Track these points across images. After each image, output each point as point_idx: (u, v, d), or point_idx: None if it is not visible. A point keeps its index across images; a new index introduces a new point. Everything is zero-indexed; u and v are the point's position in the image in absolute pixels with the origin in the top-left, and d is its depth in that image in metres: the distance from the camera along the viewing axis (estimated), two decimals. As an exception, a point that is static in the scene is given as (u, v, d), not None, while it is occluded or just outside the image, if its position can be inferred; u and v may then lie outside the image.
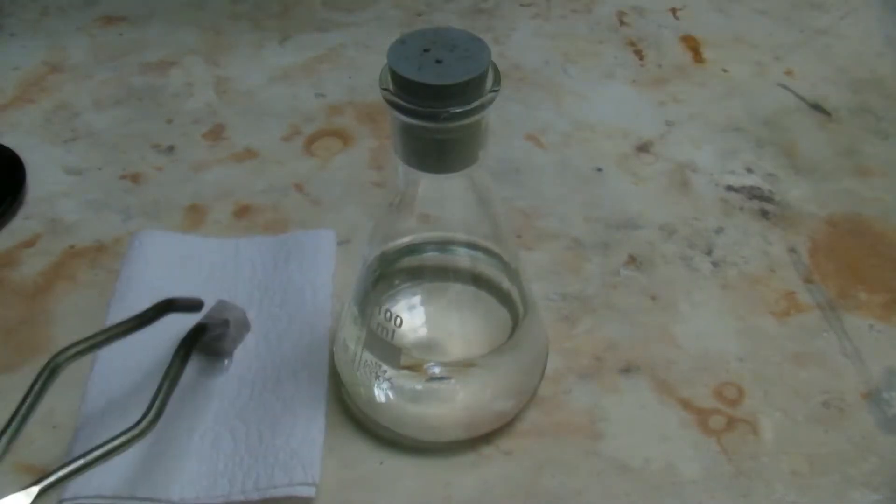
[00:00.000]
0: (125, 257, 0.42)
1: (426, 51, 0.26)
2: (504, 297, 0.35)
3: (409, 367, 0.33)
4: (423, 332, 0.35)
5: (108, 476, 0.33)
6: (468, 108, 0.26)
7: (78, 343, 0.34)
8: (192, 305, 0.38)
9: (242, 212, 0.46)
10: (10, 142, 0.50)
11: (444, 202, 0.31)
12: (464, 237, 0.33)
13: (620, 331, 0.40)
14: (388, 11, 0.62)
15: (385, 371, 0.33)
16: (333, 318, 0.40)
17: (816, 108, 0.54)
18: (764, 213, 0.46)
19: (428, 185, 0.30)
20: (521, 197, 0.47)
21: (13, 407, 0.37)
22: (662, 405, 0.37)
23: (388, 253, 0.34)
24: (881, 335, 0.40)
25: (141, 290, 0.40)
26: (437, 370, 0.34)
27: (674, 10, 0.63)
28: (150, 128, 0.52)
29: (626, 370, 0.38)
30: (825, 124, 0.53)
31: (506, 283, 0.35)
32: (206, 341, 0.37)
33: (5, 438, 0.31)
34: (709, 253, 0.44)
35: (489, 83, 0.27)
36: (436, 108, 0.26)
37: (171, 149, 0.50)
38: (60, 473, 0.30)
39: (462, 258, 0.34)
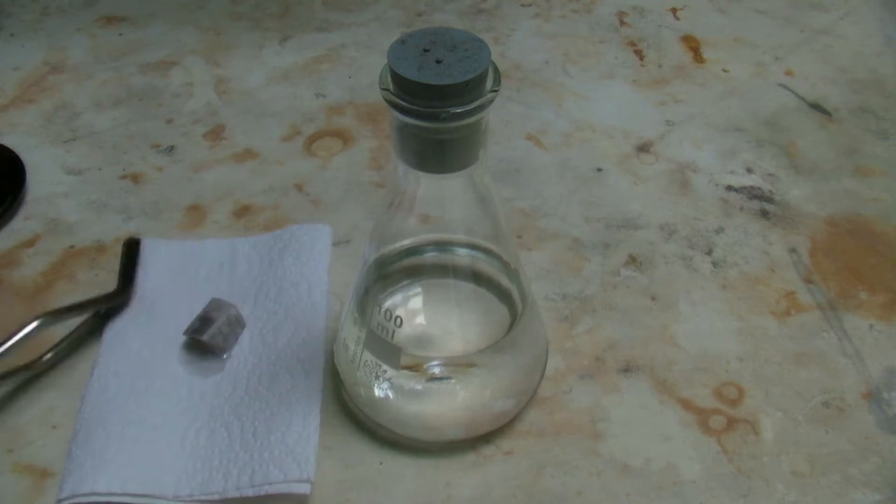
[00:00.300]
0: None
1: (426, 51, 0.26)
2: (504, 297, 0.35)
3: (409, 367, 0.33)
4: (423, 331, 0.35)
5: (104, 474, 0.33)
6: (468, 108, 0.26)
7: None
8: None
9: (242, 212, 0.46)
10: (10, 142, 0.50)
11: (445, 202, 0.31)
12: (464, 237, 0.33)
13: (620, 331, 0.40)
14: (388, 11, 0.62)
15: (385, 371, 0.33)
16: (330, 314, 0.40)
17: (816, 108, 0.54)
18: (764, 213, 0.46)
19: (428, 185, 0.30)
20: (522, 197, 0.47)
21: (14, 407, 0.37)
22: (663, 405, 0.37)
23: (388, 253, 0.34)
24: (881, 335, 0.40)
25: (140, 293, 0.40)
26: (437, 370, 0.34)
27: (674, 10, 0.63)
28: (150, 128, 0.52)
29: (627, 370, 0.38)
30: (825, 124, 0.53)
31: (506, 283, 0.35)
32: (201, 339, 0.37)
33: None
34: (709, 253, 0.44)
35: (489, 83, 0.27)
36: (436, 108, 0.26)
37: (171, 149, 0.50)
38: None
39: (462, 258, 0.34)
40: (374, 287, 0.34)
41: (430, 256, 0.34)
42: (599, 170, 0.49)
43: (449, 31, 0.27)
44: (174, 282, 0.41)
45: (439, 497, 0.34)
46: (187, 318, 0.39)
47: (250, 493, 0.33)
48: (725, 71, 0.57)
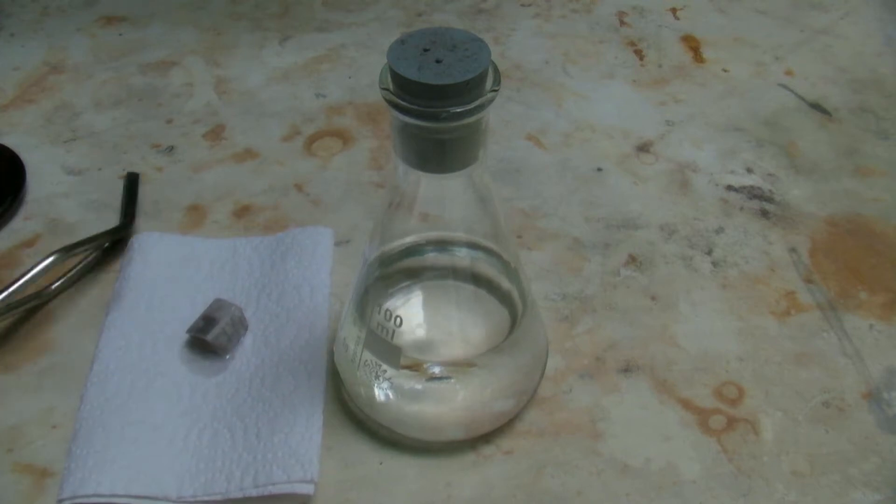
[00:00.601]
0: (125, 258, 0.42)
1: (426, 51, 0.26)
2: (504, 297, 0.35)
3: (409, 367, 0.33)
4: (422, 331, 0.35)
5: (106, 474, 0.33)
6: (468, 107, 0.26)
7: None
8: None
9: (242, 212, 0.46)
10: (10, 142, 0.50)
11: (445, 202, 0.31)
12: (464, 237, 0.33)
13: (620, 331, 0.40)
14: (388, 11, 0.62)
15: (385, 371, 0.33)
16: (331, 314, 0.40)
17: (816, 108, 0.54)
18: (764, 213, 0.46)
19: (428, 185, 0.30)
20: (522, 197, 0.47)
21: (13, 407, 0.37)
22: (663, 405, 0.37)
23: (388, 253, 0.34)
24: (881, 335, 0.40)
25: (140, 291, 0.40)
26: (437, 370, 0.34)
27: (674, 10, 0.63)
28: (150, 128, 0.52)
29: (627, 370, 0.38)
30: (825, 124, 0.53)
31: (505, 283, 0.35)
32: (205, 339, 0.37)
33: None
34: (709, 253, 0.44)
35: (489, 83, 0.27)
36: (436, 107, 0.26)
37: (171, 149, 0.50)
38: None
39: (462, 258, 0.34)
40: (373, 287, 0.34)
41: (430, 256, 0.34)
42: (599, 170, 0.49)
43: (449, 31, 0.27)
44: (174, 278, 0.41)
45: (439, 497, 0.34)
46: (187, 316, 0.39)
47: (254, 493, 0.33)
48: (725, 71, 0.57)
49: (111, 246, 0.44)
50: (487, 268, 0.34)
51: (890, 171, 0.49)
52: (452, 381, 0.34)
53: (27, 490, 0.34)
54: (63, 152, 0.50)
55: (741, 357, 0.39)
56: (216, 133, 0.51)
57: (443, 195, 0.31)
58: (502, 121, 0.52)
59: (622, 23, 0.62)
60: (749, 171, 0.49)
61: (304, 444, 0.34)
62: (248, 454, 0.34)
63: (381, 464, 0.35)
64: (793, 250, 0.44)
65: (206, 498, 0.33)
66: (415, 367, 0.34)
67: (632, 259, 0.44)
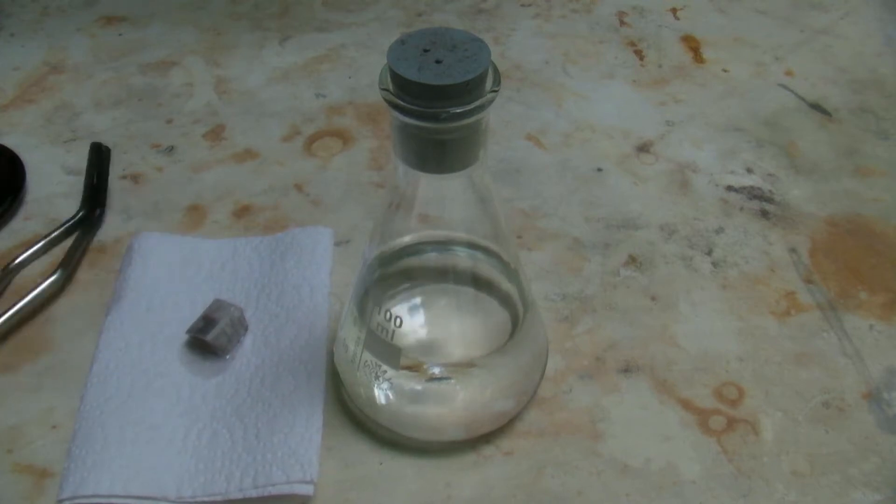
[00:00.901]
0: (124, 259, 0.42)
1: (426, 51, 0.26)
2: (504, 298, 0.35)
3: (408, 368, 0.33)
4: (422, 332, 0.35)
5: (105, 475, 0.33)
6: (468, 108, 0.26)
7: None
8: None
9: (242, 212, 0.46)
10: (10, 142, 0.50)
11: (444, 202, 0.31)
12: (464, 237, 0.33)
13: (620, 331, 0.40)
14: (388, 11, 0.62)
15: (385, 371, 0.33)
16: (331, 314, 0.40)
17: (816, 108, 0.54)
18: (764, 213, 0.46)
19: (428, 185, 0.30)
20: (522, 197, 0.47)
21: (13, 407, 0.37)
22: (663, 405, 0.37)
23: (387, 253, 0.34)
24: (881, 335, 0.40)
25: (140, 291, 0.40)
26: (437, 370, 0.34)
27: (674, 10, 0.63)
28: (150, 128, 0.52)
29: (627, 370, 0.38)
30: (825, 124, 0.53)
31: (505, 284, 0.35)
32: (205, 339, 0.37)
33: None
34: (709, 253, 0.44)
35: (489, 83, 0.27)
36: (436, 108, 0.26)
37: (171, 149, 0.50)
38: None
39: (462, 258, 0.34)
40: (373, 287, 0.34)
41: (430, 257, 0.34)
42: (599, 170, 0.49)
43: (449, 32, 0.27)
44: (174, 278, 0.41)
45: (439, 497, 0.34)
46: (187, 316, 0.39)
47: (253, 493, 0.33)
48: (725, 71, 0.57)
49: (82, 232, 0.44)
50: (487, 268, 0.34)
51: (890, 171, 0.49)
52: (452, 381, 0.34)
53: (27, 490, 0.34)
54: (63, 152, 0.50)
55: (741, 357, 0.39)
56: (216, 133, 0.51)
57: (443, 195, 0.31)
58: (502, 121, 0.52)
59: (622, 23, 0.62)
60: (749, 171, 0.49)
61: (304, 444, 0.34)
62: (247, 455, 0.34)
63: (381, 464, 0.35)
64: (793, 250, 0.44)
65: (205, 498, 0.33)
66: (415, 368, 0.34)
67: (632, 259, 0.44)
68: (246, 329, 0.39)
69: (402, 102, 0.26)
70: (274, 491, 0.33)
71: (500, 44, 0.59)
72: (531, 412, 0.37)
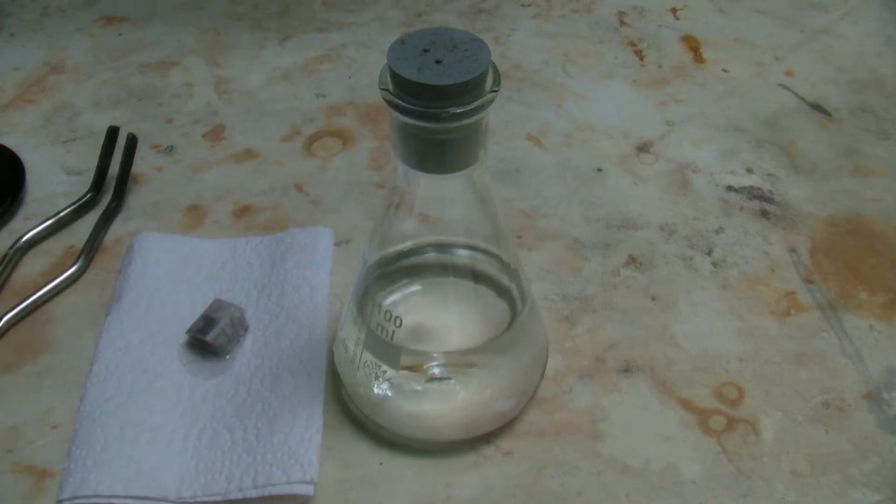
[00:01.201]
0: (125, 258, 0.42)
1: (426, 51, 0.26)
2: (503, 294, 0.35)
3: (408, 368, 0.33)
4: (422, 332, 0.35)
5: (106, 475, 0.33)
6: (468, 108, 0.26)
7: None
8: None
9: (242, 212, 0.46)
10: (10, 142, 0.50)
11: (444, 202, 0.31)
12: (463, 238, 0.33)
13: (620, 331, 0.40)
14: (388, 11, 0.62)
15: (385, 371, 0.33)
16: (331, 315, 0.40)
17: (816, 108, 0.54)
18: (764, 213, 0.46)
19: (428, 185, 0.30)
20: (522, 197, 0.47)
21: (13, 407, 0.37)
22: (663, 405, 0.37)
23: (387, 253, 0.34)
24: (881, 335, 0.40)
25: (140, 291, 0.40)
26: (437, 370, 0.34)
27: (674, 10, 0.63)
28: (150, 128, 0.52)
29: (626, 370, 0.38)
30: (825, 124, 0.53)
31: (506, 284, 0.35)
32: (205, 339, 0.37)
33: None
34: (709, 253, 0.44)
35: (489, 83, 0.27)
36: (436, 108, 0.26)
37: (171, 149, 0.50)
38: None
39: (462, 259, 0.34)
40: (373, 287, 0.34)
41: (430, 257, 0.34)
42: (599, 170, 0.49)
43: (449, 32, 0.27)
44: (174, 278, 0.41)
45: (439, 497, 0.34)
46: (187, 316, 0.39)
47: (253, 494, 0.33)
48: (725, 71, 0.57)
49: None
50: (487, 268, 0.34)
51: (890, 171, 0.49)
52: (452, 381, 0.34)
53: (27, 490, 0.34)
54: (63, 152, 0.50)
55: (741, 357, 0.39)
56: (216, 133, 0.51)
57: (443, 196, 0.31)
58: (502, 121, 0.52)
59: (622, 23, 0.62)
60: (749, 171, 0.49)
61: (304, 444, 0.34)
62: (247, 455, 0.34)
63: (381, 464, 0.35)
64: (793, 250, 0.44)
65: (205, 498, 0.33)
66: (414, 368, 0.34)
67: (632, 259, 0.44)
68: (246, 329, 0.39)
69: (402, 102, 0.26)
70: (274, 491, 0.33)
71: (500, 44, 0.59)
72: (531, 412, 0.37)
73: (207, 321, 0.38)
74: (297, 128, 0.52)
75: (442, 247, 0.34)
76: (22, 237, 0.43)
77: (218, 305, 0.38)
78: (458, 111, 0.26)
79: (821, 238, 0.45)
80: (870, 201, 0.47)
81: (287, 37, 0.60)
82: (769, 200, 0.47)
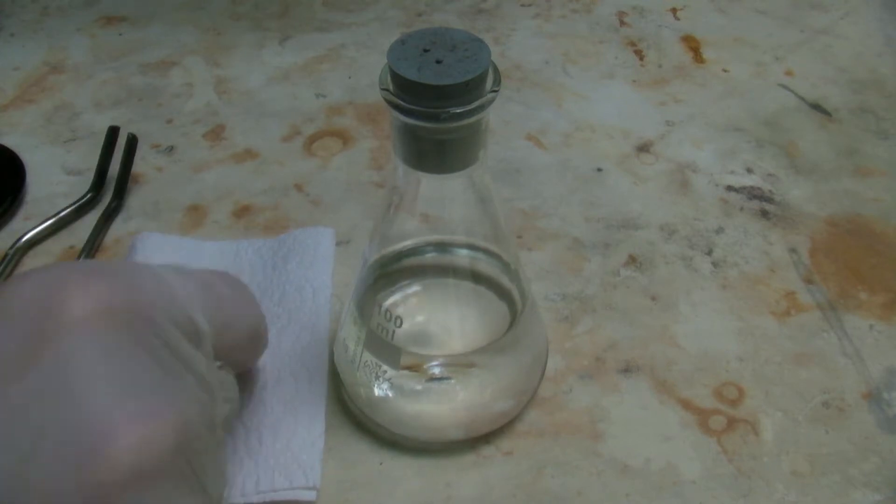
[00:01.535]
0: (126, 259, 0.42)
1: (426, 51, 0.26)
2: (504, 295, 0.35)
3: (409, 368, 0.33)
4: (423, 332, 0.35)
5: None
6: (468, 108, 0.26)
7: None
8: None
9: (242, 212, 0.46)
10: (10, 142, 0.50)
11: (444, 202, 0.31)
12: (464, 238, 0.33)
13: (620, 331, 0.40)
14: (388, 11, 0.62)
15: (385, 371, 0.33)
16: (333, 317, 0.40)
17: (816, 108, 0.54)
18: (764, 213, 0.46)
19: (428, 185, 0.30)
20: (522, 197, 0.47)
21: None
22: (663, 405, 0.37)
23: (387, 253, 0.34)
24: (881, 335, 0.40)
25: None
26: (437, 370, 0.34)
27: (674, 10, 0.63)
28: (150, 128, 0.52)
29: (627, 370, 0.38)
30: (825, 124, 0.53)
31: (506, 284, 0.35)
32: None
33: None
34: (709, 253, 0.44)
35: (489, 83, 0.27)
36: (436, 108, 0.26)
37: (171, 149, 0.50)
38: None
39: (462, 259, 0.34)
40: (373, 287, 0.34)
41: (430, 257, 0.34)
42: (599, 170, 0.49)
43: (449, 32, 0.27)
44: None
45: (439, 497, 0.34)
46: None
47: (255, 499, 0.33)
48: (725, 71, 0.57)
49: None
50: (487, 268, 0.34)
51: (890, 171, 0.49)
52: (452, 381, 0.34)
53: (27, 490, 0.34)
54: (63, 152, 0.50)
55: (741, 357, 0.39)
56: (216, 133, 0.51)
57: (443, 196, 0.31)
58: (502, 121, 0.52)
59: (622, 23, 0.62)
60: (749, 171, 0.49)
61: (307, 450, 0.34)
62: (249, 460, 0.34)
63: (381, 464, 0.35)
64: (793, 250, 0.44)
65: None
66: (415, 368, 0.34)
67: (632, 259, 0.44)
68: None
69: (402, 102, 0.26)
70: (276, 497, 0.33)
71: (500, 44, 0.59)
72: (531, 412, 0.37)
73: None
74: (297, 128, 0.52)
75: (442, 247, 0.34)
76: (22, 237, 0.43)
77: None
78: (458, 111, 0.26)
79: (821, 238, 0.45)
80: (870, 201, 0.47)
81: (287, 37, 0.60)
82: (769, 200, 0.47)
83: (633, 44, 0.60)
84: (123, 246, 0.43)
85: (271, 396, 0.36)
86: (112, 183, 0.47)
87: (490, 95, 0.27)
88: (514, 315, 0.35)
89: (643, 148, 0.51)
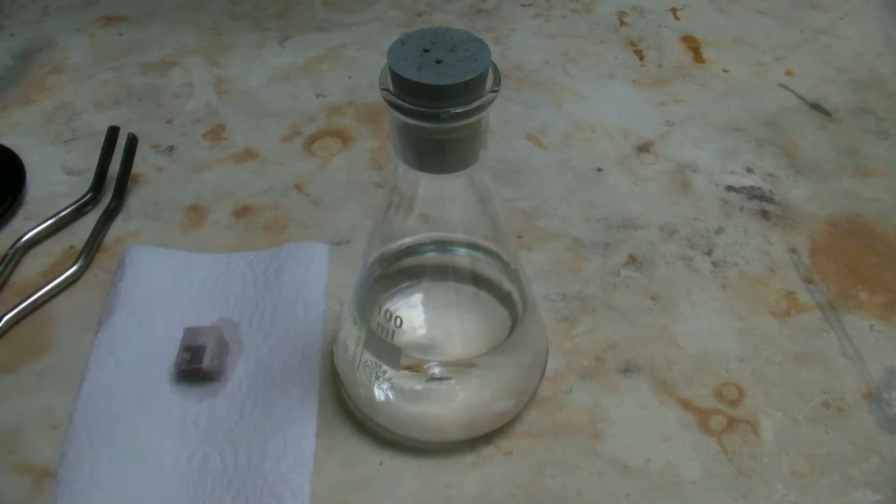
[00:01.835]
0: (116, 273, 0.42)
1: (426, 51, 0.26)
2: (504, 297, 0.35)
3: (409, 368, 0.33)
4: (422, 332, 0.35)
5: (95, 499, 0.33)
6: (468, 108, 0.26)
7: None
8: None
9: (242, 212, 0.46)
10: (10, 142, 0.50)
11: (444, 202, 0.31)
12: (464, 238, 0.33)
13: (620, 331, 0.40)
14: (388, 11, 0.62)
15: (385, 371, 0.33)
16: (326, 332, 0.39)
17: (816, 108, 0.54)
18: (764, 214, 0.46)
19: (428, 185, 0.30)
20: (522, 197, 0.47)
21: (13, 407, 0.37)
22: (663, 405, 0.37)
23: (387, 253, 0.34)
24: (881, 335, 0.40)
25: (132, 307, 0.40)
26: (437, 370, 0.34)
27: (674, 10, 0.63)
28: (150, 128, 0.52)
29: (627, 370, 0.38)
30: (825, 124, 0.53)
31: (506, 284, 0.35)
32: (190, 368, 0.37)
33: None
34: (709, 253, 0.44)
35: (489, 83, 0.27)
36: (436, 108, 0.26)
37: (171, 149, 0.50)
38: None
39: (462, 259, 0.34)
40: (373, 287, 0.34)
41: (430, 257, 0.34)
42: (599, 170, 0.49)
43: (449, 32, 0.27)
44: (166, 295, 0.40)
45: (439, 497, 0.34)
46: (179, 335, 0.37)
47: None
48: (725, 71, 0.57)
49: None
50: (487, 268, 0.34)
51: (890, 171, 0.49)
52: (452, 381, 0.34)
53: (27, 490, 0.34)
54: (63, 152, 0.50)
55: (741, 357, 0.39)
56: (216, 133, 0.51)
57: (443, 196, 0.31)
58: (502, 121, 0.52)
59: (622, 23, 0.62)
60: (749, 171, 0.49)
61: (296, 470, 0.34)
62: (238, 480, 0.33)
63: (381, 464, 0.35)
64: (793, 250, 0.44)
65: None
66: (415, 368, 0.34)
67: (632, 259, 0.44)
68: (228, 344, 0.38)
69: (402, 102, 0.26)
70: None
71: (500, 44, 0.59)
72: (531, 412, 0.37)
73: (192, 350, 0.36)
74: (297, 128, 0.52)
75: (442, 247, 0.34)
76: (22, 237, 0.43)
77: (194, 333, 0.37)
78: (458, 111, 0.26)
79: (821, 238, 0.45)
80: (870, 201, 0.47)
81: (287, 37, 0.60)
82: (769, 200, 0.47)
83: (633, 44, 0.60)
84: (123, 246, 0.43)
85: (261, 416, 0.35)
86: (112, 183, 0.47)
87: (490, 95, 0.27)
88: (515, 319, 0.35)
89: (643, 148, 0.51)
